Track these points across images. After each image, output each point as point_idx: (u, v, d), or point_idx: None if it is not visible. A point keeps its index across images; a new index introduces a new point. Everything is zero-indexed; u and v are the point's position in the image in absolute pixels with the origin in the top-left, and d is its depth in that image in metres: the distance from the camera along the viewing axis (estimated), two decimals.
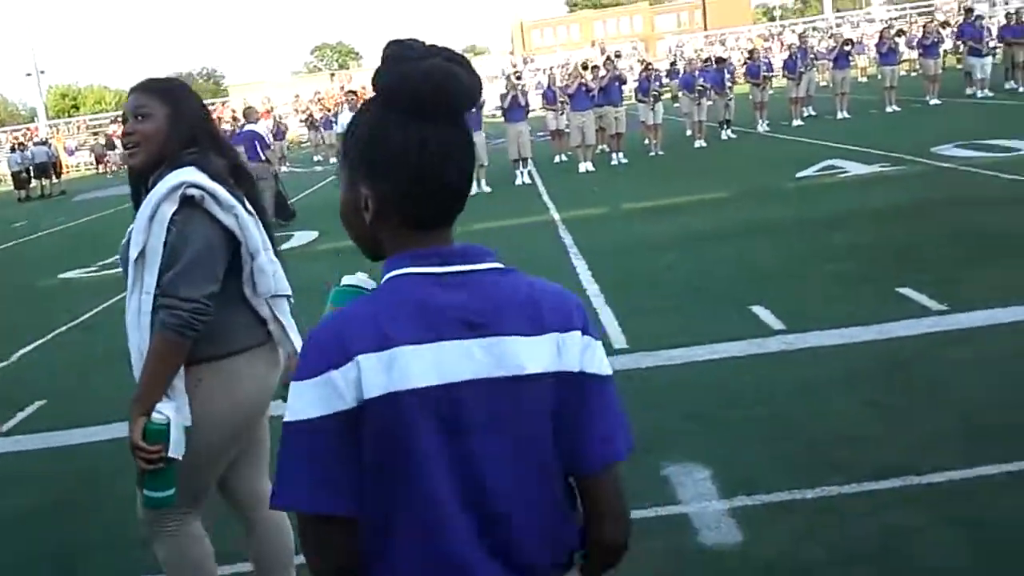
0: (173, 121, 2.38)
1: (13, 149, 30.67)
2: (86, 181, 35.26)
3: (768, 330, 5.54)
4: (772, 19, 79.78)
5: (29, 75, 56.21)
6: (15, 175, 28.73)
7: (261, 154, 13.30)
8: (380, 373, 1.15)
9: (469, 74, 1.21)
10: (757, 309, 5.96)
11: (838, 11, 58.80)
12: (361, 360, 1.16)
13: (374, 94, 1.23)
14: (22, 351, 7.53)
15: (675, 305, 6.45)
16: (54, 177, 29.46)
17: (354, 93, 14.88)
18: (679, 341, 5.51)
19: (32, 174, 28.67)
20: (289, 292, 2.56)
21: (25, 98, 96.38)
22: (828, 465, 3.68)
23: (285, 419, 1.19)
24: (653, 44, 62.98)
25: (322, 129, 28.99)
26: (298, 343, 2.51)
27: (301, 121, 34.01)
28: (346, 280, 1.37)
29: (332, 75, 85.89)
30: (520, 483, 1.22)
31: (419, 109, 1.19)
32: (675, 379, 4.96)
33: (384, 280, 1.24)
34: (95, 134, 49.06)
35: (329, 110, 31.40)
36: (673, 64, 29.90)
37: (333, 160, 27.10)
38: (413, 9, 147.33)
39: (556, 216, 11.24)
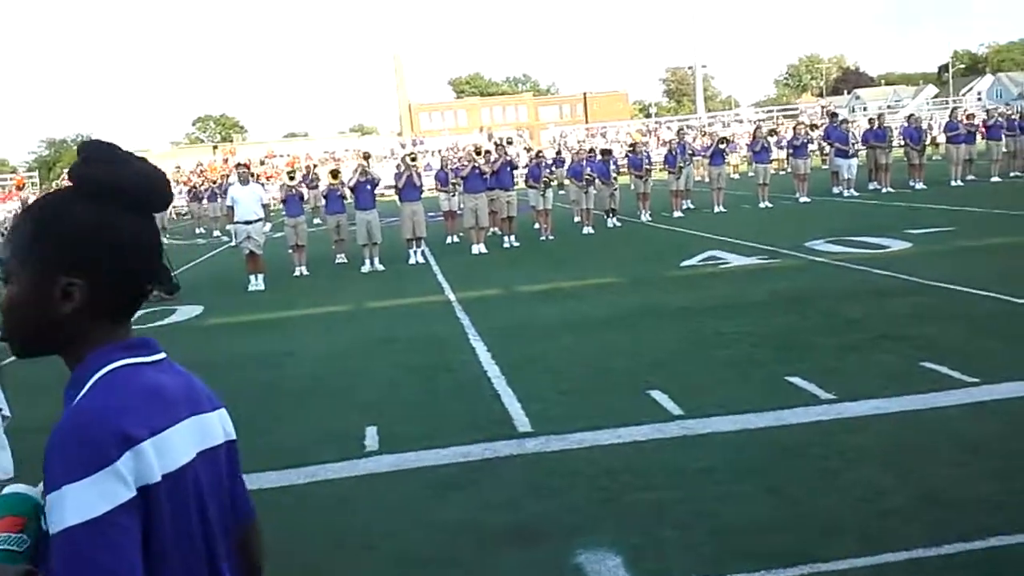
0: None
1: None
2: None
3: (668, 415, 5.67)
4: (648, 115, 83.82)
5: None
6: None
7: None
8: (155, 458, 1.22)
9: (166, 177, 1.38)
10: (655, 394, 6.10)
11: (710, 111, 62.20)
12: (142, 447, 1.20)
13: (76, 187, 1.29)
14: None
15: (575, 388, 6.52)
16: None
17: (245, 166, 14.63)
18: (583, 424, 5.56)
19: None
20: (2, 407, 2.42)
21: None
22: (736, 552, 3.75)
23: (65, 525, 1.14)
24: (537, 133, 64.86)
25: (206, 201, 28.38)
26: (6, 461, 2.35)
27: (184, 193, 33.15)
28: (10, 489, 1.33)
29: (215, 147, 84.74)
30: (228, 541, 1.39)
31: (136, 205, 1.30)
32: (583, 463, 4.99)
33: (106, 371, 1.26)
34: None
35: (215, 182, 30.84)
36: (558, 153, 30.82)
37: (216, 233, 26.54)
38: (299, 85, 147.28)
39: (452, 296, 11.27)
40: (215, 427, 1.40)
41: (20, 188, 49.47)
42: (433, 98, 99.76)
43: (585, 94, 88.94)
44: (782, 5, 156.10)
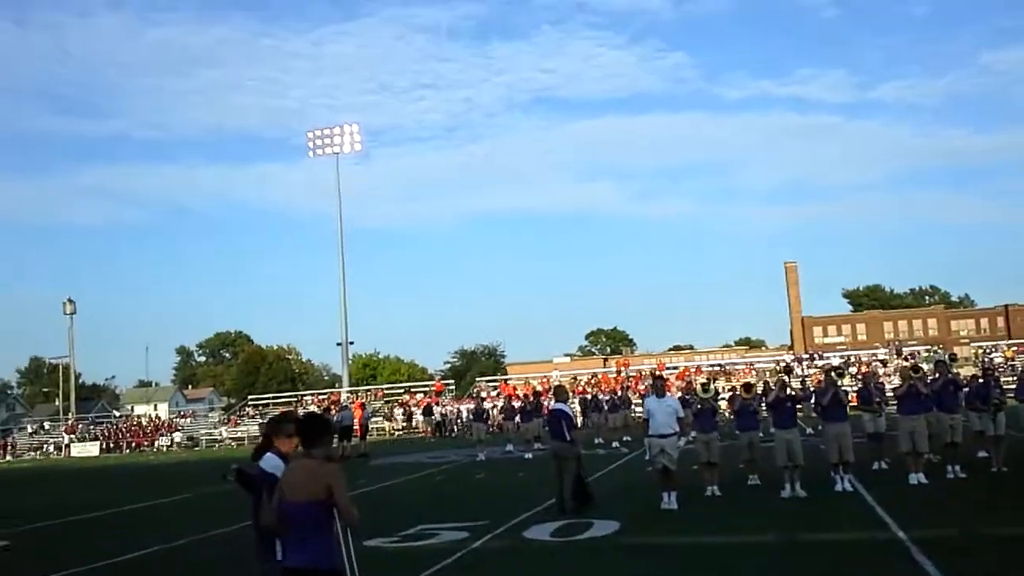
0: None
1: (327, 411, 33.32)
2: (381, 446, 37.33)
3: None
4: None
5: (339, 344, 61.92)
6: None
7: (567, 434, 13.01)
8: None
9: None
10: None
11: None
12: None
13: None
14: None
15: None
16: (355, 440, 31.17)
17: (662, 379, 14.42)
18: None
19: (337, 437, 30.61)
20: None
21: (330, 364, 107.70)
22: None
23: None
24: (949, 349, 59.07)
25: (606, 411, 28.90)
26: None
27: (582, 404, 34.23)
28: None
29: (605, 360, 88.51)
30: None
31: None
32: None
33: None
34: (388, 402, 52.74)
35: (616, 392, 31.55)
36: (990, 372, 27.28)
37: (615, 444, 26.64)
38: (688, 300, 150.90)
39: (901, 534, 9.64)
40: None
41: (439, 393, 54.92)
42: (827, 310, 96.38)
43: (1007, 306, 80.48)
44: None
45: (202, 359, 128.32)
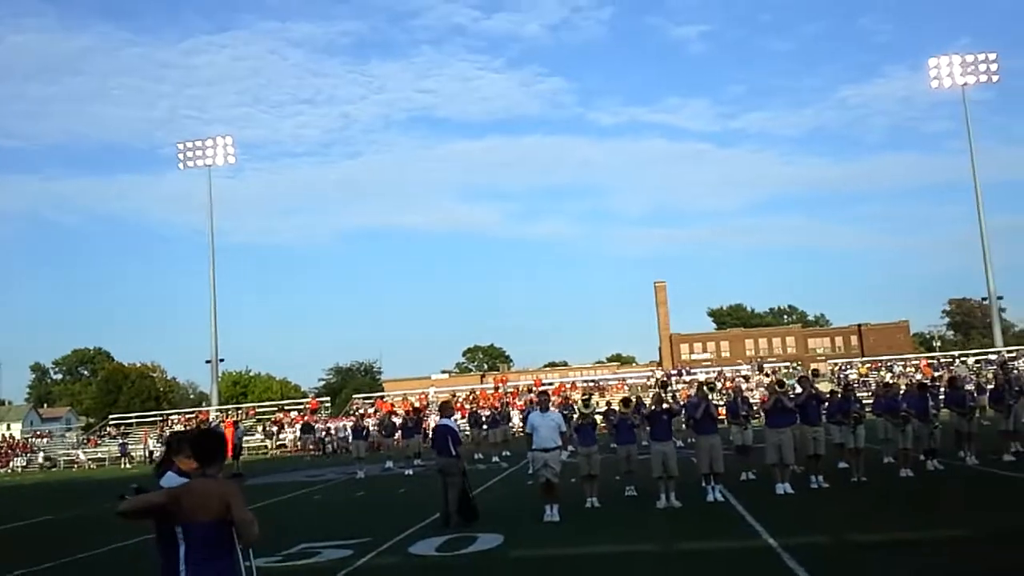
0: None
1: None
2: (256, 465, 36.26)
3: None
4: (931, 349, 78.08)
5: (208, 362, 59.73)
6: None
7: (452, 449, 13.07)
8: None
9: None
10: None
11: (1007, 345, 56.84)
12: None
13: None
14: None
15: None
16: (228, 460, 30.23)
17: (546, 394, 14.66)
18: None
19: None
20: None
21: (196, 382, 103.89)
22: None
23: None
24: (807, 365, 62.25)
25: (486, 427, 29.04)
26: None
27: (462, 418, 34.33)
28: None
29: (482, 376, 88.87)
30: None
31: None
32: None
33: None
34: (260, 421, 51.36)
35: (497, 408, 31.71)
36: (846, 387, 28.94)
37: (495, 458, 26.82)
38: (563, 318, 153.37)
39: (772, 542, 10.11)
40: None
41: (315, 411, 53.89)
42: (693, 328, 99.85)
43: (860, 325, 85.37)
44: None
45: (59, 377, 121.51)
